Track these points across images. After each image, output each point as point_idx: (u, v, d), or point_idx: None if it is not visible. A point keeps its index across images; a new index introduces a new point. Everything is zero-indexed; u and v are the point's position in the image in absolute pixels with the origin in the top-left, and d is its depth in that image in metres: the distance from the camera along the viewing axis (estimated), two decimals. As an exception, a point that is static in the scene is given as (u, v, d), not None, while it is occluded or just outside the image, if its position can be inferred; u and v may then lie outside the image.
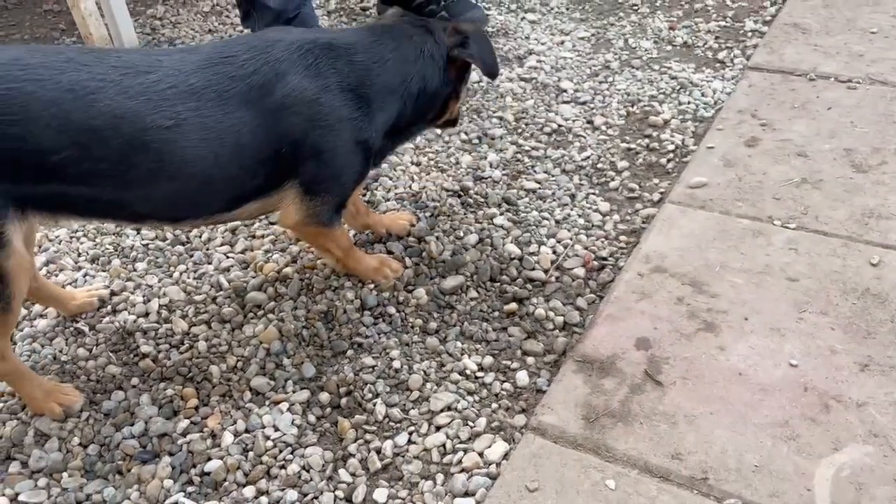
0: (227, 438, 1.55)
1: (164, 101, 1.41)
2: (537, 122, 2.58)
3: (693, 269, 1.86)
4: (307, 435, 1.57)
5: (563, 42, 3.11)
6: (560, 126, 2.56)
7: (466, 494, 1.43)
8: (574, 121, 2.58)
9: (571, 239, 2.06)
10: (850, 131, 2.35)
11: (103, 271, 2.03)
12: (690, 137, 2.45)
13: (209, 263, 2.04)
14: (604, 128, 2.54)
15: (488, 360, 1.71)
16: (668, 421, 1.49)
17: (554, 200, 2.21)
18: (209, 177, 1.50)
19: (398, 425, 1.58)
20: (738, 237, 1.96)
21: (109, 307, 1.91)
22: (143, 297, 1.93)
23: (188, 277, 2.00)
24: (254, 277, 1.97)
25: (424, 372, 1.68)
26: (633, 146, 2.44)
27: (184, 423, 1.59)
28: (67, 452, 1.56)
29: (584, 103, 2.68)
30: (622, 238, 2.06)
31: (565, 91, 2.75)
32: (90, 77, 1.37)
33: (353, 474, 1.49)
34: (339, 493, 1.45)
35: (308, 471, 1.49)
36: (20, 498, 1.46)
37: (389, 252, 2.02)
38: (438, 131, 2.54)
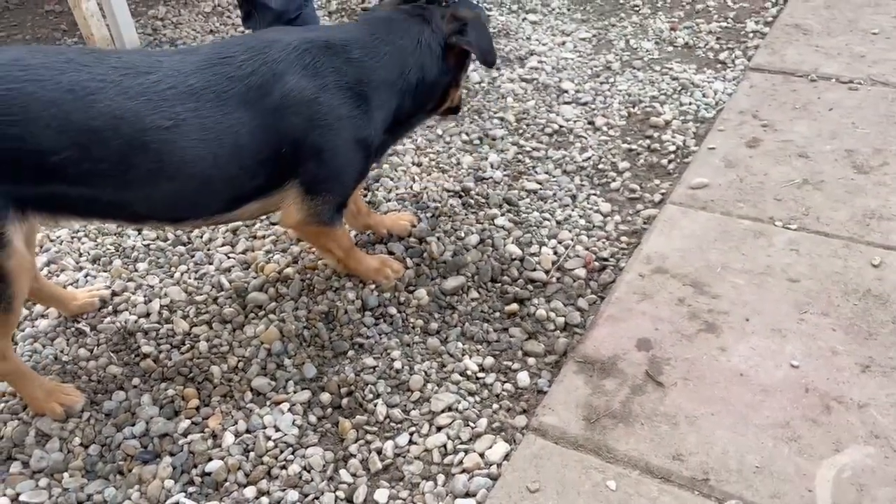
0: (228, 439, 1.55)
1: (163, 101, 1.42)
2: (538, 122, 2.58)
3: (694, 270, 1.86)
4: (308, 435, 1.57)
5: (564, 43, 3.11)
6: (561, 127, 2.55)
7: (467, 495, 1.43)
8: (575, 121, 2.58)
9: (572, 240, 2.06)
10: (852, 132, 2.35)
11: (104, 271, 2.03)
12: (692, 138, 2.45)
13: (210, 264, 2.04)
14: (605, 128, 2.54)
15: (489, 360, 1.71)
16: (669, 422, 1.49)
17: (555, 201, 2.21)
18: (208, 177, 1.50)
19: (399, 426, 1.58)
20: (739, 238, 1.96)
21: (111, 307, 1.91)
22: (145, 297, 1.93)
23: (189, 278, 2.00)
24: (255, 278, 1.97)
25: (425, 372, 1.68)
26: (634, 147, 2.44)
27: (185, 424, 1.59)
28: (68, 452, 1.56)
29: (585, 104, 2.68)
30: (623, 239, 2.06)
31: (566, 92, 2.75)
32: (90, 78, 1.37)
33: (353, 475, 1.49)
34: (340, 494, 1.45)
35: (309, 471, 1.49)
36: (21, 498, 1.47)
37: (391, 252, 2.02)
38: (440, 131, 2.54)
